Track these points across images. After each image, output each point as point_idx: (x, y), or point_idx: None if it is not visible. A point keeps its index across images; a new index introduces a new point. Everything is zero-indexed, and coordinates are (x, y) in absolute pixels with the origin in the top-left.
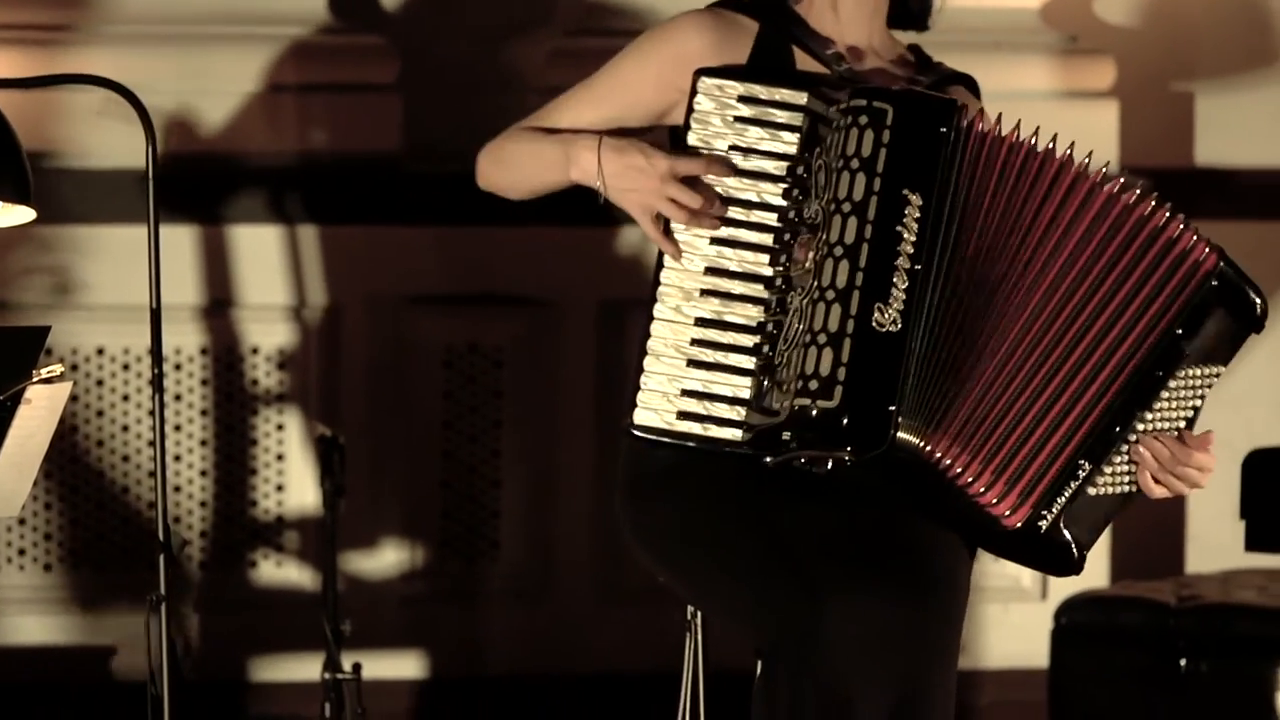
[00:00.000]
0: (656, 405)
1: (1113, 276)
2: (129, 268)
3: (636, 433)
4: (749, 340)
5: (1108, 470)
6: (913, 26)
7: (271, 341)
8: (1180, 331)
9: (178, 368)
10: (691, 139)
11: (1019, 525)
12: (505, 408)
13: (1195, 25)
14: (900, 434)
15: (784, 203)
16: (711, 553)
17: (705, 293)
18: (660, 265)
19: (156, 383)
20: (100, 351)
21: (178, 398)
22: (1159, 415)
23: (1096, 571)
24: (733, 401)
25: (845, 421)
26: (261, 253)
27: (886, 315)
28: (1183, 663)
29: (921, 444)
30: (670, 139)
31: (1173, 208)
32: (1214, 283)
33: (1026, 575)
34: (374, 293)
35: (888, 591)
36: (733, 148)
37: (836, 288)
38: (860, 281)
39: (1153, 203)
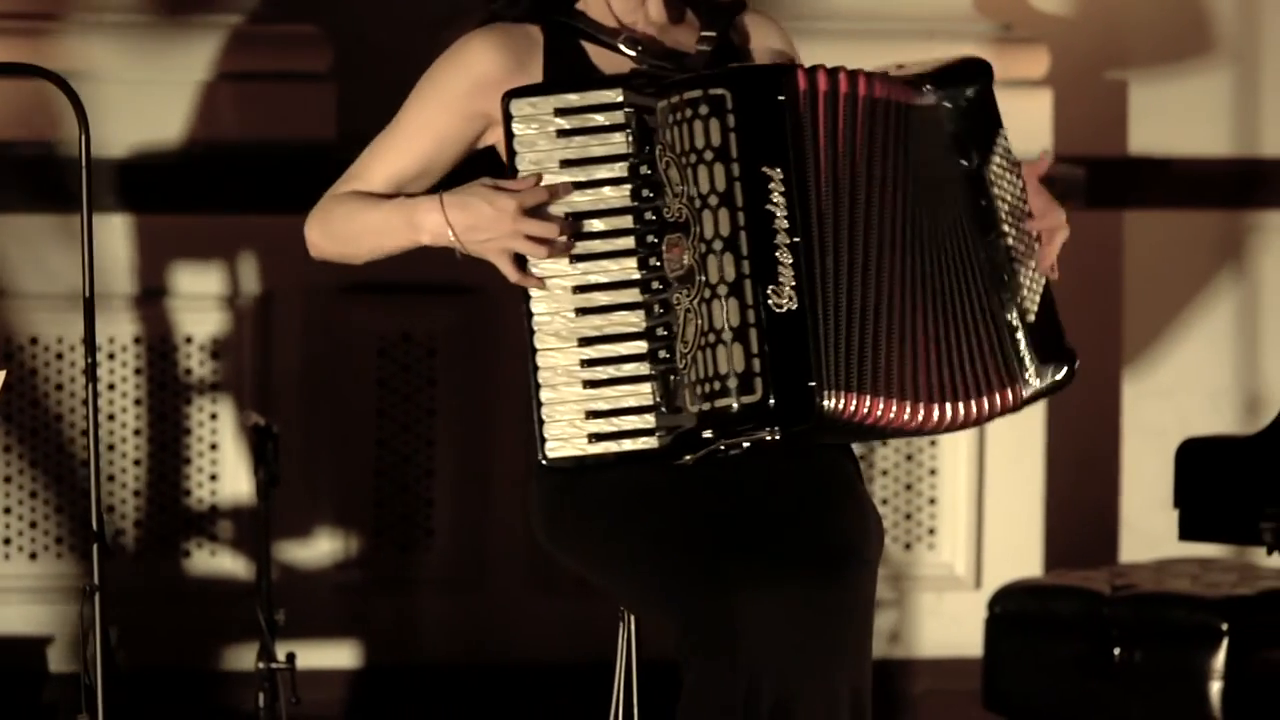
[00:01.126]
0: (565, 435)
1: (888, 171)
2: (63, 257)
3: (552, 465)
4: (637, 347)
5: (1025, 293)
6: None
7: (205, 331)
8: (963, 161)
9: (111, 357)
10: (521, 166)
11: (1016, 402)
12: (439, 396)
13: (1129, 14)
14: (827, 404)
15: (634, 203)
16: (625, 551)
17: (581, 312)
18: (528, 298)
19: (90, 372)
20: (34, 341)
21: (111, 387)
22: (1011, 220)
23: (1030, 560)
24: (639, 411)
25: (771, 407)
26: (195, 242)
27: (782, 295)
28: (1116, 651)
29: (853, 407)
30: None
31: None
32: (946, 104)
33: (961, 564)
34: (307, 281)
35: (797, 577)
36: (564, 163)
37: (727, 281)
38: (748, 270)
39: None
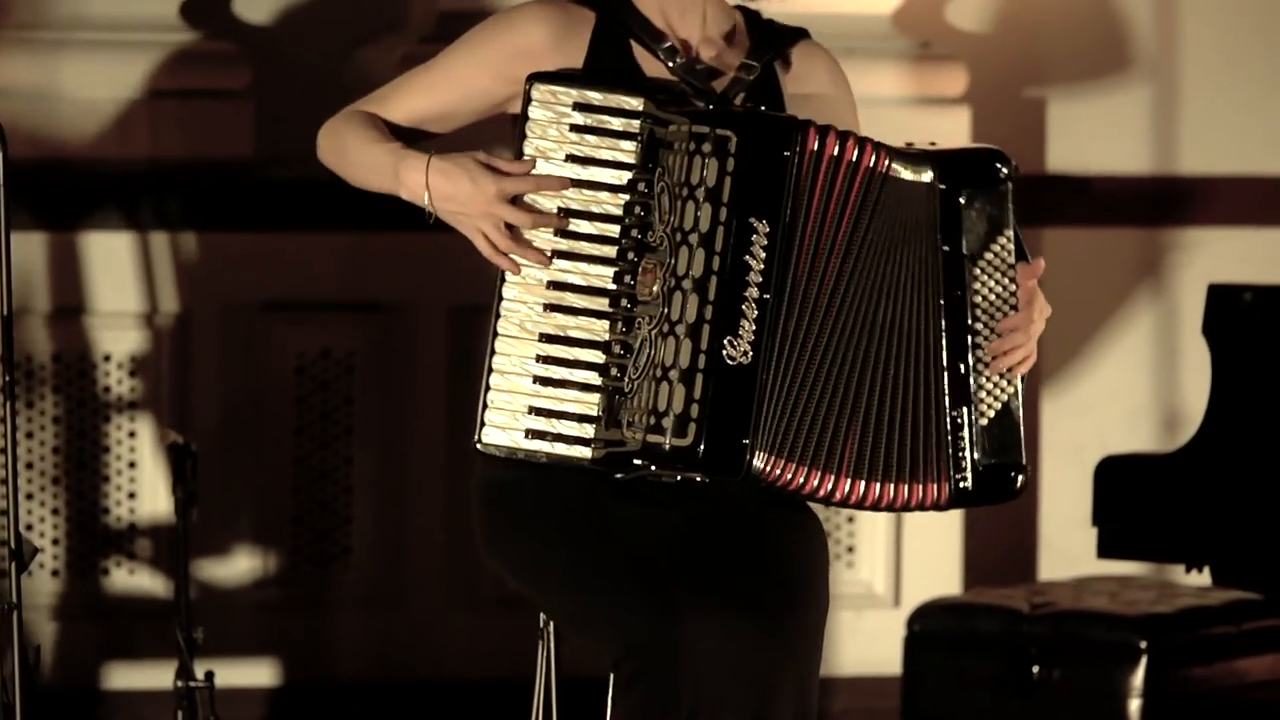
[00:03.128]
0: (504, 424)
1: (869, 244)
2: None
3: (484, 450)
4: (595, 356)
5: (983, 395)
6: None
7: (123, 348)
8: (945, 247)
9: (29, 375)
10: (527, 148)
11: (946, 499)
12: (357, 414)
13: (1047, 31)
14: (756, 463)
15: (625, 216)
16: (567, 565)
17: (549, 308)
18: (502, 280)
19: (7, 390)
20: None
21: (29, 405)
22: (986, 319)
23: (949, 578)
24: (580, 419)
25: (700, 455)
26: (113, 259)
27: (738, 348)
28: (1035, 669)
29: (779, 473)
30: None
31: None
32: (941, 186)
33: (880, 582)
34: (226, 299)
35: (744, 605)
36: (570, 157)
37: (686, 322)
38: (710, 315)
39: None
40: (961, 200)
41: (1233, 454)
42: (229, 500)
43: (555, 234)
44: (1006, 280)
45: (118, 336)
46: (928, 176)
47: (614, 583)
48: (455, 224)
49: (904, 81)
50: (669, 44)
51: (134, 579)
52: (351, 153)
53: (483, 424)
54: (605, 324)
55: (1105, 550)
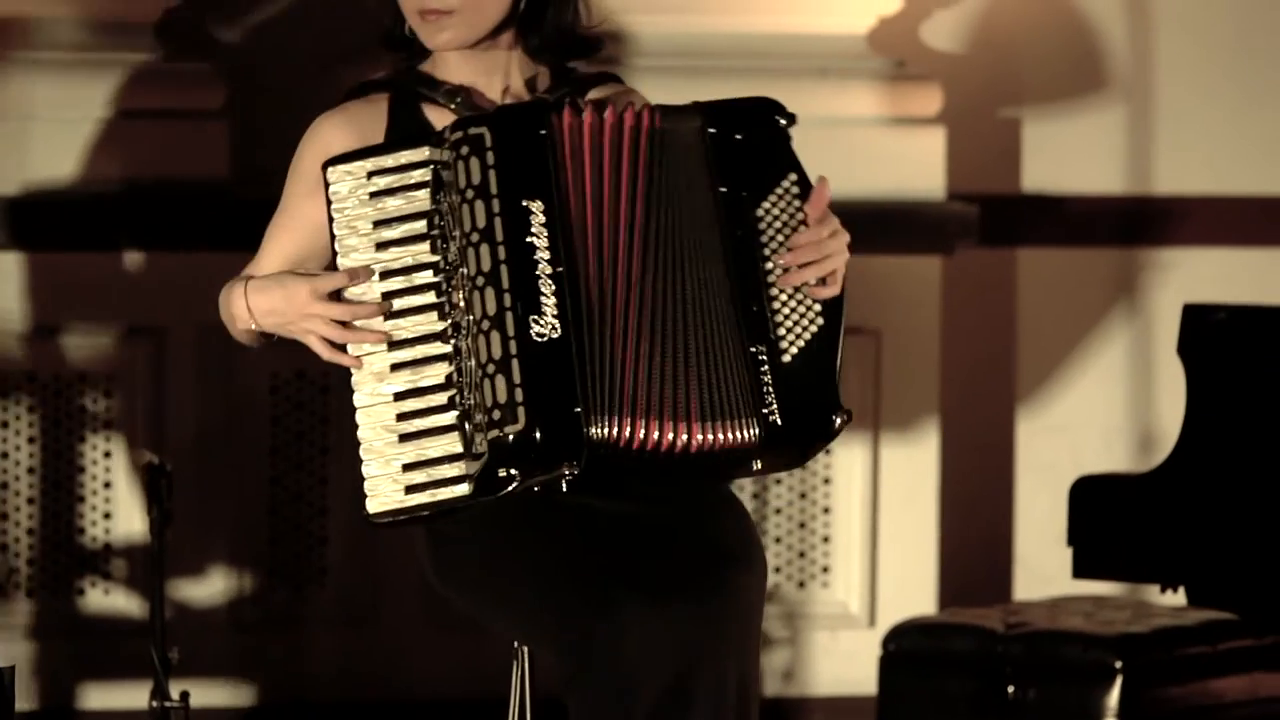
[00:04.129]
0: (384, 490)
1: (653, 197)
2: None
3: (374, 522)
4: (444, 397)
5: (783, 333)
6: (575, 55)
7: (99, 368)
8: (722, 189)
9: (4, 394)
10: (336, 229)
11: (760, 436)
12: (332, 434)
13: (1022, 51)
14: (595, 431)
15: (436, 257)
16: (506, 581)
17: (395, 367)
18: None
19: None
20: None
21: (4, 425)
22: (776, 258)
23: (924, 598)
24: (451, 459)
25: (538, 437)
26: (89, 279)
27: (544, 324)
28: (1010, 689)
29: (619, 432)
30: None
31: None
32: (711, 130)
33: (854, 602)
34: (202, 319)
35: (675, 587)
36: (376, 224)
37: (489, 316)
38: (509, 302)
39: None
40: (735, 142)
41: (1208, 474)
42: (204, 520)
43: (381, 297)
44: (795, 216)
45: (93, 356)
46: (696, 123)
47: (550, 590)
48: (289, 335)
49: (879, 101)
50: (448, 88)
51: (109, 599)
52: (224, 318)
53: (365, 495)
54: (445, 364)
55: (1080, 570)
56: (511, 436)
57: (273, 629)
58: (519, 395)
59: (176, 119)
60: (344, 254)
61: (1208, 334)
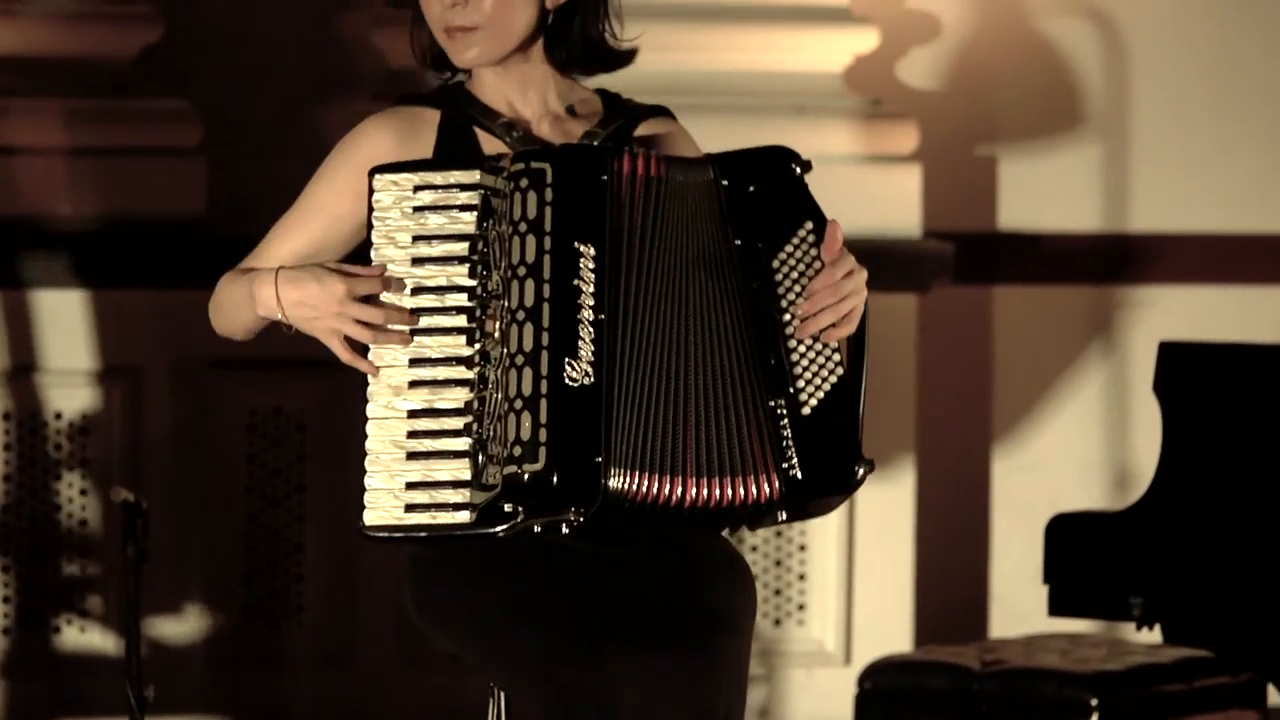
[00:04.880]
0: (383, 504)
1: (678, 250)
2: None
3: (368, 534)
4: (460, 422)
5: (802, 384)
6: (603, 69)
7: (74, 406)
8: (737, 241)
9: None
10: (375, 237)
11: (781, 490)
12: (308, 471)
13: (998, 89)
14: (613, 483)
15: (473, 282)
16: (495, 623)
17: (413, 384)
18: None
19: None
20: None
21: None
22: (794, 309)
23: (900, 636)
24: (456, 485)
25: (555, 481)
26: (65, 317)
27: (578, 370)
28: None
29: (636, 486)
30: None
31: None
32: (724, 182)
33: (830, 640)
34: (177, 356)
35: (667, 643)
36: (416, 238)
37: (525, 351)
38: (546, 341)
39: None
40: (750, 193)
41: (1183, 512)
42: (180, 558)
43: (410, 312)
44: (811, 265)
45: (68, 394)
46: (709, 175)
47: (543, 634)
48: (310, 330)
49: (855, 139)
50: (504, 120)
51: (85, 637)
52: (225, 303)
53: (364, 507)
54: (466, 389)
55: (1056, 608)
56: (528, 475)
57: (249, 667)
58: (542, 435)
59: (153, 156)
60: (379, 263)
61: (1183, 372)
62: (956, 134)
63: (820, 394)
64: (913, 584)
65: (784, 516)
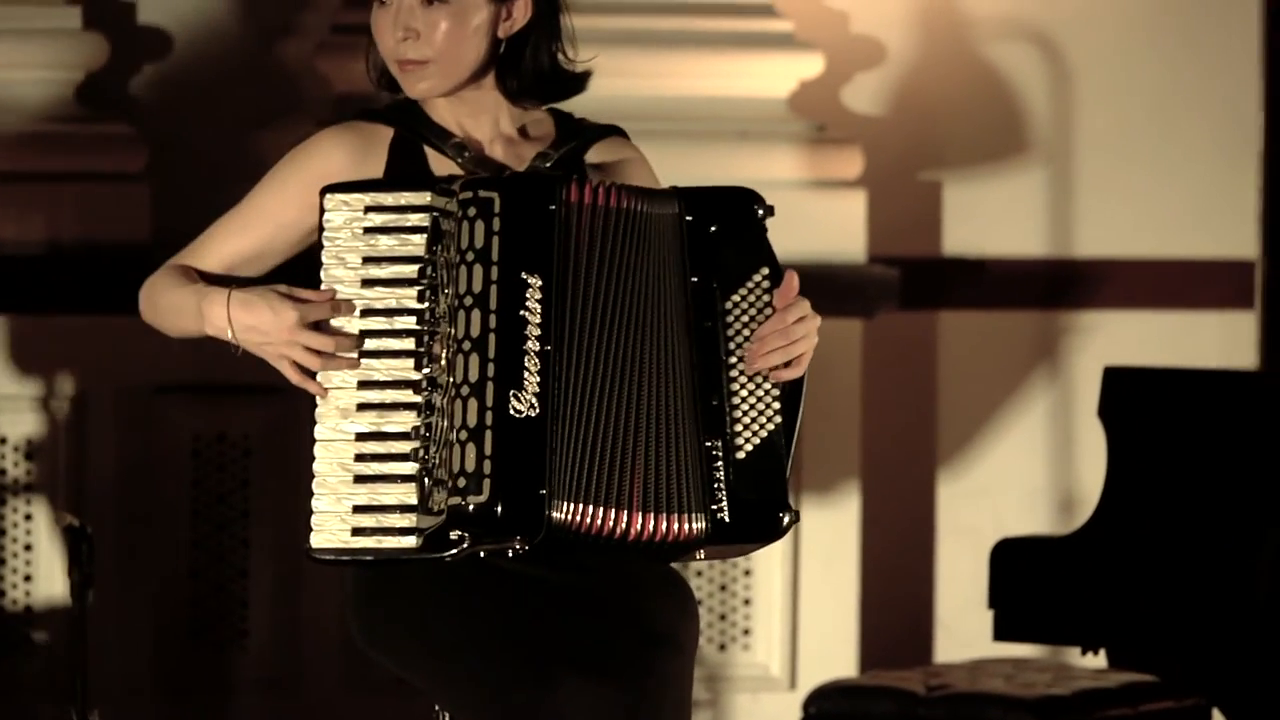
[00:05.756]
0: (330, 527)
1: (630, 282)
2: None
3: (315, 557)
4: (408, 446)
5: (740, 429)
6: (554, 98)
7: (19, 431)
8: (694, 278)
9: None
10: (325, 257)
11: (706, 530)
12: (253, 497)
13: (943, 115)
14: (556, 514)
15: (422, 305)
16: (439, 646)
17: (361, 407)
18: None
19: None
20: None
21: None
22: (741, 352)
23: (845, 660)
24: (403, 510)
25: (499, 512)
26: (8, 342)
27: (523, 401)
28: None
29: (579, 518)
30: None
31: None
32: (688, 218)
33: (775, 664)
34: (122, 382)
35: (611, 664)
36: (365, 259)
37: (470, 382)
38: (492, 373)
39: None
40: (711, 232)
41: (1129, 536)
42: (126, 583)
43: (359, 335)
44: (763, 311)
45: (13, 420)
46: (674, 209)
47: (490, 658)
48: (260, 354)
49: (800, 164)
50: (456, 140)
51: (30, 662)
52: (162, 303)
53: (310, 529)
54: (414, 414)
55: (1001, 632)
56: (473, 506)
57: (195, 692)
58: (487, 468)
59: (97, 181)
60: (328, 284)
61: (1128, 397)
62: (901, 159)
63: (756, 440)
64: (858, 608)
65: (701, 555)
